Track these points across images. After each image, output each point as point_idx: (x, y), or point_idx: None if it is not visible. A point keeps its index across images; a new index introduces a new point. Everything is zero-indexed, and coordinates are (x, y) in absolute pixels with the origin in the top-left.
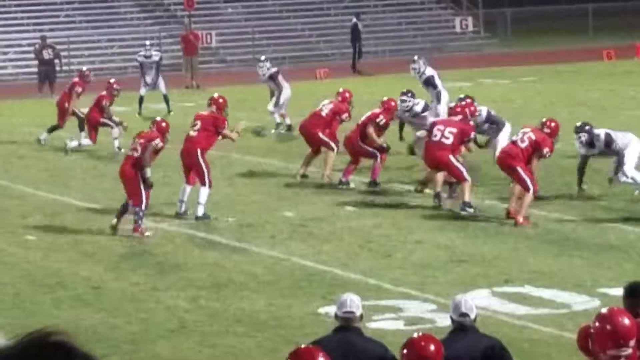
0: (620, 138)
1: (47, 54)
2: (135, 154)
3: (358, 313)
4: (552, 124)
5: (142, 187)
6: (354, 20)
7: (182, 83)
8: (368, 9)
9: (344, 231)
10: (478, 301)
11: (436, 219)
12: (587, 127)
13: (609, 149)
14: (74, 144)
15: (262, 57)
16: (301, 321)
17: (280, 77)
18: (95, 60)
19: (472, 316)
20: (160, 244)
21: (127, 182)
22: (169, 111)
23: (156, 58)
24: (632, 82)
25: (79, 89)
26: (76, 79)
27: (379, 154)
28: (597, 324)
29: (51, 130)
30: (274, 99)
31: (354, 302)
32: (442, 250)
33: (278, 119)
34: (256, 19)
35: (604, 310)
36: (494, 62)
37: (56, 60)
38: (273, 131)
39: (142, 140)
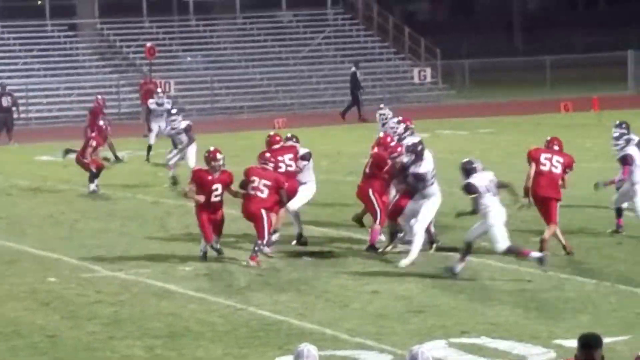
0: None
1: (5, 102)
2: (260, 194)
3: None
4: (557, 142)
5: (266, 224)
6: (353, 69)
7: (141, 131)
8: (327, 59)
9: (300, 281)
10: (435, 352)
11: (393, 269)
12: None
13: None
14: None
15: (174, 111)
16: None
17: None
18: (53, 109)
19: None
20: (116, 293)
21: (256, 220)
22: (147, 159)
23: (168, 106)
24: (589, 134)
25: (94, 143)
26: (93, 134)
27: (379, 215)
28: None
29: (92, 178)
30: (181, 151)
31: (311, 353)
32: (399, 300)
33: (174, 173)
34: (215, 68)
35: None
36: (452, 113)
37: (14, 108)
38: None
39: (269, 183)
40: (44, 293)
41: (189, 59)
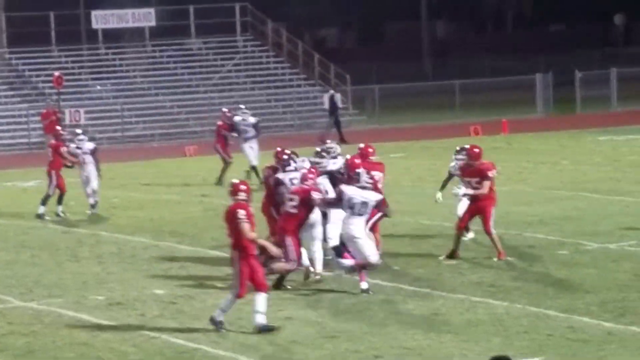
0: None
1: None
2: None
3: None
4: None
5: None
6: (331, 92)
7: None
8: (237, 85)
9: (214, 308)
10: None
11: (306, 295)
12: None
13: None
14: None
15: (79, 131)
16: None
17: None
18: None
19: None
20: (28, 324)
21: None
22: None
23: (253, 120)
24: (499, 158)
25: (64, 149)
26: (54, 141)
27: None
28: None
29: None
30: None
31: None
32: (312, 326)
33: (96, 199)
34: (125, 97)
35: None
36: (363, 138)
37: None
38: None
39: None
40: None
41: (98, 87)
